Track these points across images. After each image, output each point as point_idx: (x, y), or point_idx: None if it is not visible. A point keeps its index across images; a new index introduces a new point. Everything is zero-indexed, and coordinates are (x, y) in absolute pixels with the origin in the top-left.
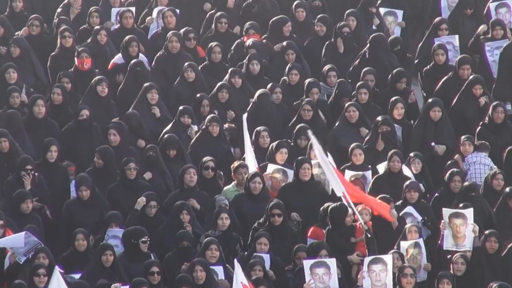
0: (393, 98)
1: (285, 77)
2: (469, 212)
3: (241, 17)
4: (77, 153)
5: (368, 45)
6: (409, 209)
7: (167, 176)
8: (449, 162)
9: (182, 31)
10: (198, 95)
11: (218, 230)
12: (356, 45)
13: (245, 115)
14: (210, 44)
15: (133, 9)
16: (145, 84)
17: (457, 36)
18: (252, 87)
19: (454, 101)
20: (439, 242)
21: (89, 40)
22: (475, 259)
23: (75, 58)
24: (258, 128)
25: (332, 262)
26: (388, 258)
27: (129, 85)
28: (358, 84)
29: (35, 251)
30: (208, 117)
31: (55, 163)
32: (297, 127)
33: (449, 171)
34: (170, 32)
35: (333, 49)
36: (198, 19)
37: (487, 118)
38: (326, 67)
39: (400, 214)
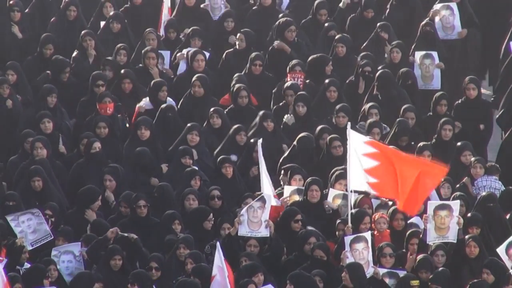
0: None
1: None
2: (456, 204)
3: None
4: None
5: (376, 83)
6: (415, 219)
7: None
8: (457, 185)
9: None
10: (251, 140)
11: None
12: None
13: (260, 140)
14: (237, 88)
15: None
16: (188, 125)
17: None
18: (300, 129)
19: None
20: (422, 236)
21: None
22: (458, 251)
23: (97, 103)
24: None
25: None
26: (367, 235)
27: (158, 130)
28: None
29: (44, 243)
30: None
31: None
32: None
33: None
34: (195, 76)
35: (353, 88)
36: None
37: None
38: (367, 105)
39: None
